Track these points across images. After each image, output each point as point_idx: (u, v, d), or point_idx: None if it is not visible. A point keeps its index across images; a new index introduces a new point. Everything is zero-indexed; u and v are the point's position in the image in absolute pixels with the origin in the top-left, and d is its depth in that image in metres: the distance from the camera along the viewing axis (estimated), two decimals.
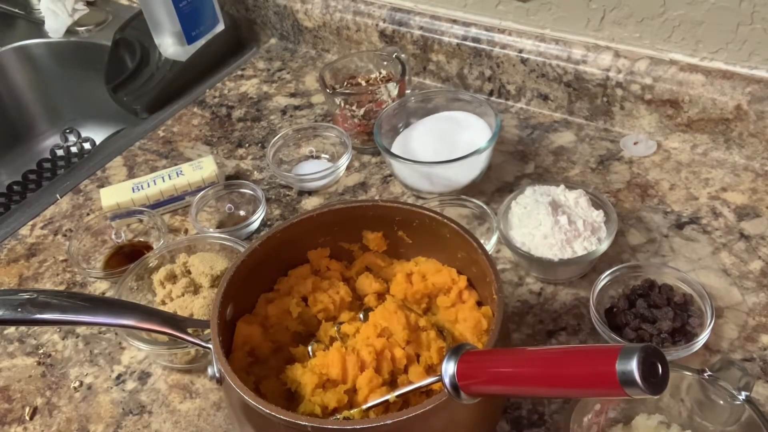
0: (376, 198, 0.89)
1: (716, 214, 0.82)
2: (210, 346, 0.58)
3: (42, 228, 0.92)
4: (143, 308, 0.63)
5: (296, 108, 1.06)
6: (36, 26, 1.29)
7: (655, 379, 0.40)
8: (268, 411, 0.52)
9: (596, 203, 0.77)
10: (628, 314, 0.70)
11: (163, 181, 0.90)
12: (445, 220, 0.64)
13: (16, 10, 1.33)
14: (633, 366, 0.39)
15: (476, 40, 0.99)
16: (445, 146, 0.86)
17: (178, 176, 0.91)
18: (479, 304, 0.65)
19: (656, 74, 0.88)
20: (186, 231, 0.89)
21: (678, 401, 0.60)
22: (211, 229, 0.86)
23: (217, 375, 0.57)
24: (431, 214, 0.65)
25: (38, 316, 0.59)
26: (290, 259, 0.69)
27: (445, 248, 0.66)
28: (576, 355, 0.43)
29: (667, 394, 0.60)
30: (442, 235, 0.65)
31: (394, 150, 0.88)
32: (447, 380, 0.46)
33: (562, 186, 0.78)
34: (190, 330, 0.62)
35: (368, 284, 0.68)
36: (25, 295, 0.60)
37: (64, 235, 0.90)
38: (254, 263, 0.64)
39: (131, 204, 0.89)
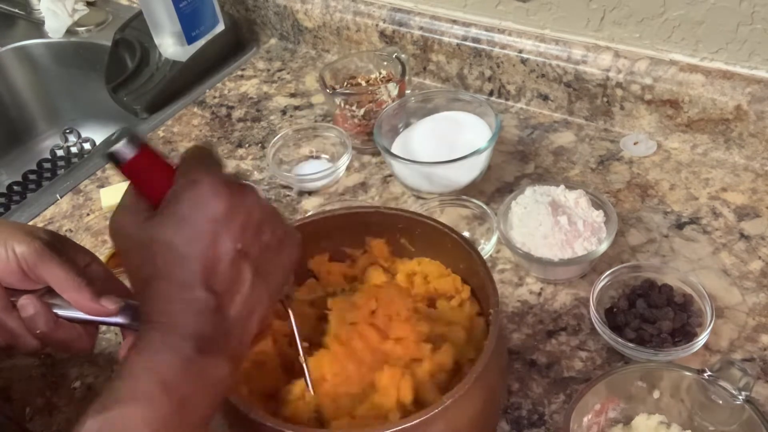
0: (379, 204, 0.88)
1: (716, 214, 0.82)
2: None
3: None
4: (137, 306, 0.63)
5: (296, 108, 1.07)
6: (36, 26, 1.29)
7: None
8: (252, 416, 0.51)
9: (596, 203, 0.77)
10: (628, 314, 0.70)
11: None
12: (446, 230, 0.64)
13: (16, 10, 1.33)
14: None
15: (476, 40, 0.99)
16: (445, 146, 0.86)
17: None
18: (479, 315, 0.65)
19: (656, 74, 0.88)
20: None
21: (678, 401, 0.60)
22: None
23: None
24: (433, 223, 0.65)
25: None
26: None
27: (447, 257, 0.66)
28: None
29: (667, 393, 0.60)
30: (444, 245, 0.64)
31: (394, 150, 0.88)
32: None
33: (562, 186, 0.78)
34: None
35: (376, 276, 0.67)
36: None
37: (64, 235, 0.90)
38: None
39: None
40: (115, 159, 0.46)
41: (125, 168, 0.47)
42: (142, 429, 0.41)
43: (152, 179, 0.47)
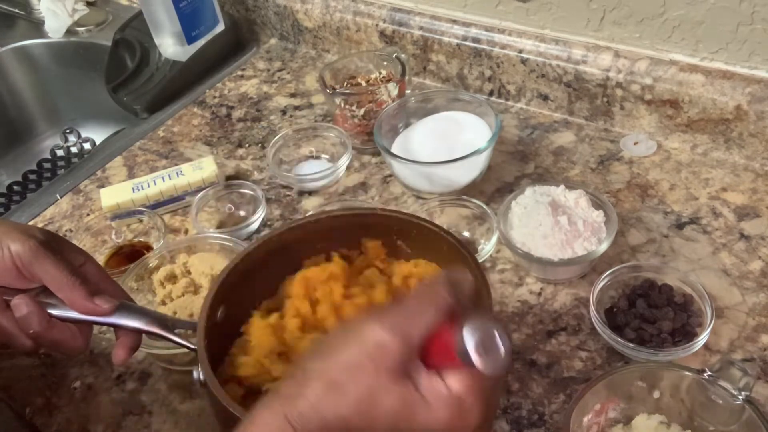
0: (376, 206, 0.88)
1: (716, 214, 0.82)
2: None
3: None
4: (131, 307, 0.63)
5: (296, 108, 1.06)
6: (36, 26, 1.29)
7: (492, 356, 0.41)
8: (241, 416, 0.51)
9: (596, 203, 0.77)
10: (628, 314, 0.70)
11: (163, 181, 0.90)
12: (442, 233, 0.63)
13: (16, 10, 1.33)
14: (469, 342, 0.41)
15: (476, 40, 0.99)
16: (445, 146, 0.86)
17: (178, 176, 0.91)
18: None
19: (656, 74, 0.88)
20: (186, 231, 0.89)
21: (678, 401, 0.60)
22: (211, 230, 0.86)
23: (201, 378, 0.56)
24: (429, 225, 0.65)
25: None
26: (287, 262, 0.68)
27: (443, 260, 0.65)
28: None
29: (667, 393, 0.60)
30: (440, 247, 0.64)
31: (394, 150, 0.88)
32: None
33: (562, 186, 0.78)
34: (182, 331, 0.62)
35: (372, 280, 0.67)
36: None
37: (64, 235, 0.90)
38: (248, 267, 0.64)
39: (131, 204, 0.89)
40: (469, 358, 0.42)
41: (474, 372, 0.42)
42: None
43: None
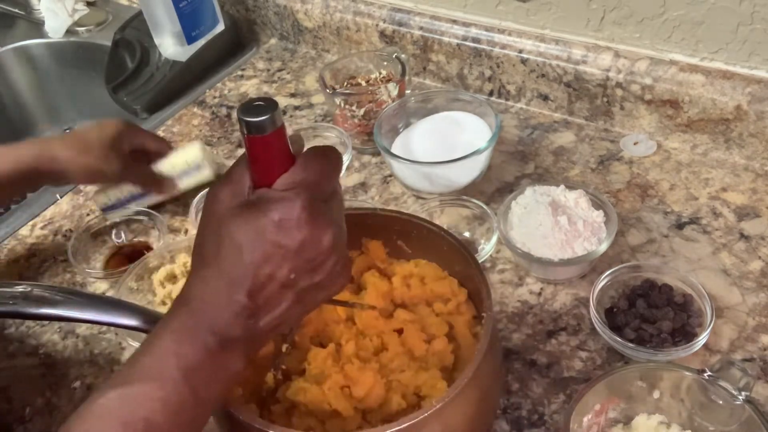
0: (376, 206, 0.88)
1: (716, 214, 0.82)
2: None
3: (42, 228, 0.92)
4: (133, 307, 0.63)
5: (296, 108, 1.07)
6: (36, 26, 1.29)
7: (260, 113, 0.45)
8: (241, 418, 0.51)
9: (596, 203, 0.77)
10: (628, 314, 0.70)
11: None
12: (442, 233, 0.64)
13: (16, 10, 1.33)
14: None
15: (476, 40, 0.99)
16: (445, 146, 0.86)
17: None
18: (475, 318, 0.65)
19: (656, 74, 0.88)
20: (186, 231, 0.89)
21: (678, 401, 0.60)
22: None
23: None
24: (429, 226, 0.65)
25: (29, 310, 0.60)
26: None
27: (443, 260, 0.65)
28: None
29: (667, 393, 0.60)
30: (440, 247, 0.64)
31: (394, 150, 0.88)
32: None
33: (562, 186, 0.78)
34: None
35: (372, 282, 0.67)
36: (20, 288, 0.60)
37: (64, 236, 0.90)
38: None
39: (119, 193, 0.87)
40: (251, 128, 0.45)
41: (256, 141, 0.46)
42: (158, 408, 0.43)
43: (271, 162, 0.47)
